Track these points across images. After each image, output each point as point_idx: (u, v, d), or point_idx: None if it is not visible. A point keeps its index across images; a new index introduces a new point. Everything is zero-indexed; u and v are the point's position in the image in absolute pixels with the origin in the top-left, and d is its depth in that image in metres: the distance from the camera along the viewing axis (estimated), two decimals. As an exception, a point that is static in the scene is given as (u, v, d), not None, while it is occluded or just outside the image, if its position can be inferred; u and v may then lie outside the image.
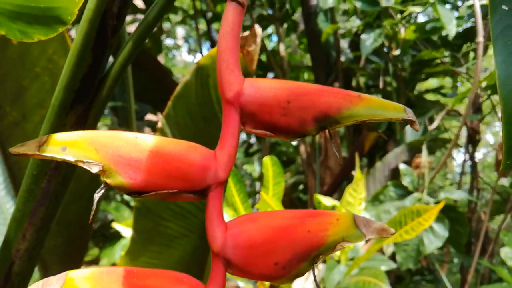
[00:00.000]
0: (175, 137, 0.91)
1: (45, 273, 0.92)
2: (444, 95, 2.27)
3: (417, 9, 1.84)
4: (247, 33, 0.80)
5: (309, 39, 2.25)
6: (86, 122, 0.49)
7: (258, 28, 0.80)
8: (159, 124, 0.89)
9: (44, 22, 0.39)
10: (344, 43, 2.25)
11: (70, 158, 0.30)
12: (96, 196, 0.30)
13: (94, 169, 0.30)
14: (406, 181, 1.40)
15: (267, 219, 0.31)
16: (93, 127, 0.50)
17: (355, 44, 2.21)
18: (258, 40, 0.79)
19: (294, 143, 3.40)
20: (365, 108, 0.34)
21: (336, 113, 0.33)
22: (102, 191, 0.30)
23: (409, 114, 0.34)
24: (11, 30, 0.41)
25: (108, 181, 0.30)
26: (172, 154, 0.31)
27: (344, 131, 2.65)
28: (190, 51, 6.59)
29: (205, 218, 0.31)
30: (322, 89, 0.34)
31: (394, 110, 0.34)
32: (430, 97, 2.74)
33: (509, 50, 0.31)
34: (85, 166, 0.30)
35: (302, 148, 2.64)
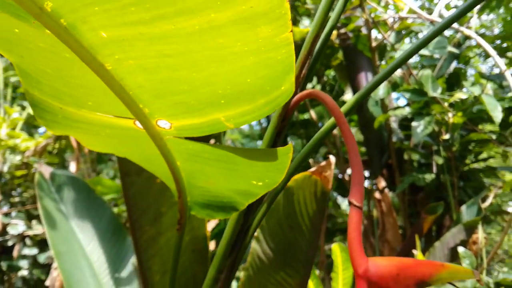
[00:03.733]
0: (267, 243, 1.11)
1: None
2: (494, 168, 2.38)
3: (463, 96, 2.01)
4: (324, 162, 1.00)
5: (361, 123, 2.46)
6: (235, 263, 0.69)
7: (332, 158, 1.00)
8: (256, 233, 1.09)
9: (224, 210, 0.61)
10: (394, 124, 2.43)
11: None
12: None
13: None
14: (465, 264, 1.51)
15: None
16: (239, 265, 0.70)
17: (405, 125, 2.39)
18: (332, 167, 1.00)
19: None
20: (447, 273, 0.52)
21: (429, 278, 0.52)
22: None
23: (476, 275, 0.52)
24: (199, 212, 0.63)
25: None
26: None
27: (398, 202, 2.76)
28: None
29: None
30: (419, 262, 0.52)
31: (465, 273, 0.52)
32: (481, 164, 2.84)
33: None
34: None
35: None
